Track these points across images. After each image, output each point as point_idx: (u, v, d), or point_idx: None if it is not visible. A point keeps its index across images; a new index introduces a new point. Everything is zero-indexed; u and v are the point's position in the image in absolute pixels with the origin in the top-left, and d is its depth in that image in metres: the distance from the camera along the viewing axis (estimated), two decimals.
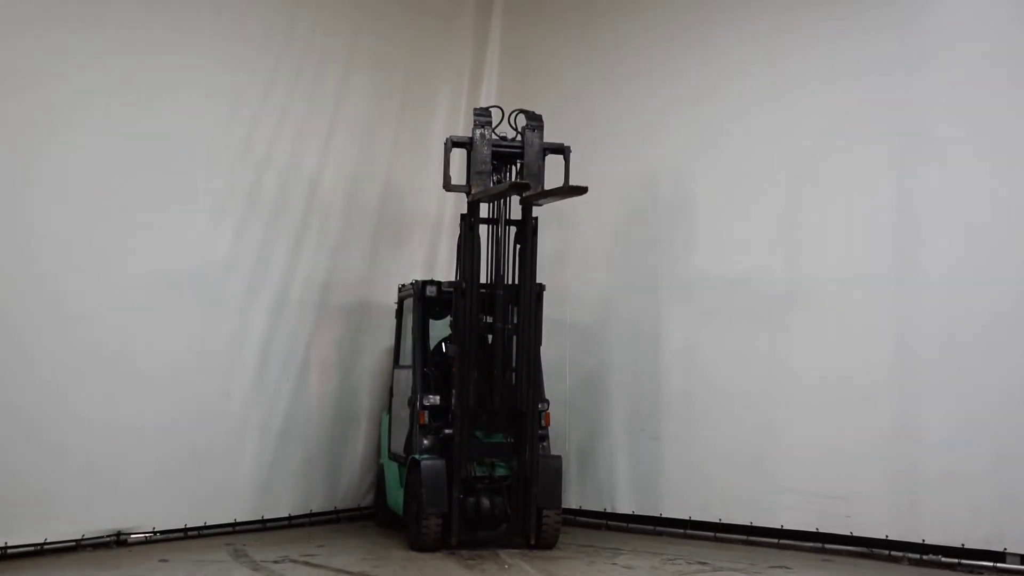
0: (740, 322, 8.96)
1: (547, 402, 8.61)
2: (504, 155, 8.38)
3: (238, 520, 8.87)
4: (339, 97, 9.69)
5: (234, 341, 8.92)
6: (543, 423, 8.55)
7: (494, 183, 8.30)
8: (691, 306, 9.29)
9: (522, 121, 8.46)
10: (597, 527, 9.57)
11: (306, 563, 7.66)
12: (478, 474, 8.24)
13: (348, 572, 7.39)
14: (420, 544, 8.10)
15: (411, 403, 8.59)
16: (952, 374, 7.95)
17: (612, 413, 9.67)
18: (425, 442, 8.36)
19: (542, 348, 8.54)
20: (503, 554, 8.08)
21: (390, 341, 9.80)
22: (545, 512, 8.26)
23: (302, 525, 9.36)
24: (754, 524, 8.78)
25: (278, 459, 9.21)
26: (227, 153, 8.83)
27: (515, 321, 8.33)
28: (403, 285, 9.42)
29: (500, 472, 8.31)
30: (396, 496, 8.91)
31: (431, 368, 8.81)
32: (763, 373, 8.84)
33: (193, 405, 8.58)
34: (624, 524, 9.51)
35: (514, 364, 8.33)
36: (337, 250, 9.71)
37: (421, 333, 8.98)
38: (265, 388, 9.15)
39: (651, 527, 9.35)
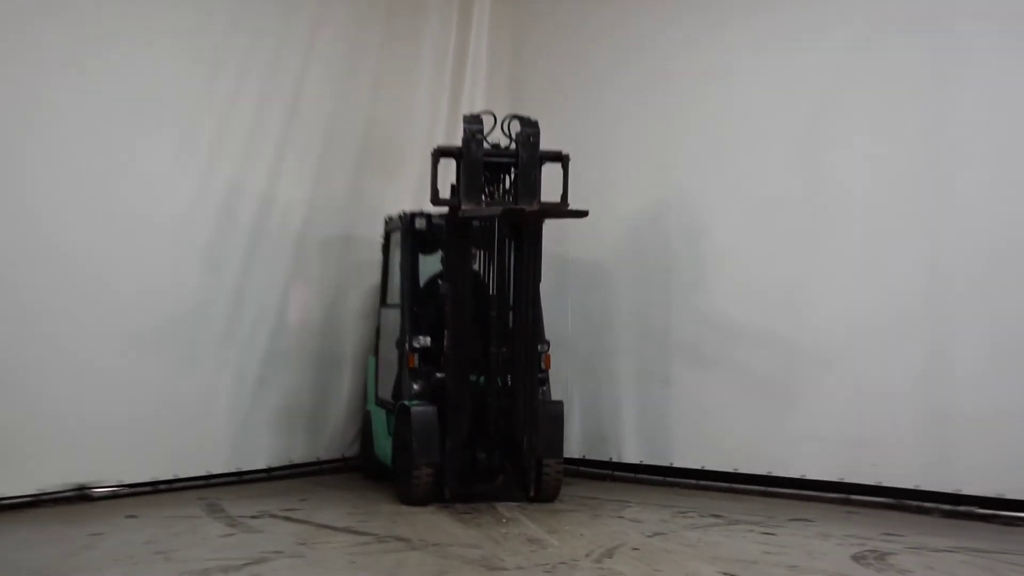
0: (757, 255, 8.96)
1: (547, 343, 8.59)
2: (497, 165, 8.21)
3: (212, 472, 8.93)
4: (319, 11, 9.70)
5: (205, 279, 8.91)
6: (543, 366, 8.54)
7: (486, 196, 8.15)
8: (703, 237, 9.28)
9: (516, 127, 8.24)
10: (602, 478, 9.67)
11: (287, 518, 7.67)
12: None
13: (332, 527, 7.38)
14: (410, 497, 8.12)
15: (400, 345, 8.62)
16: (987, 306, 7.92)
17: (618, 355, 9.73)
18: (415, 387, 8.38)
19: (541, 285, 8.37)
20: (500, 507, 8.09)
21: (376, 278, 9.80)
22: (546, 462, 8.27)
23: (282, 477, 9.43)
24: (773, 474, 8.82)
25: (255, 406, 9.26)
26: (195, 79, 8.80)
27: (512, 340, 8.24)
28: (390, 217, 9.39)
29: None
30: (384, 446, 8.94)
31: (421, 307, 8.77)
32: (782, 309, 8.82)
33: (162, 347, 8.58)
34: (631, 475, 9.61)
35: (511, 301, 8.28)
36: (319, 179, 9.72)
37: (410, 269, 8.95)
38: (241, 329, 9.15)
39: (660, 478, 9.42)
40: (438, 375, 8.29)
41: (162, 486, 8.56)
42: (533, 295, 8.28)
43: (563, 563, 6.32)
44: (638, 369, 9.59)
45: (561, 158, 8.22)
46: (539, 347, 8.39)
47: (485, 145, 8.09)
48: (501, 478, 8.36)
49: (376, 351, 9.47)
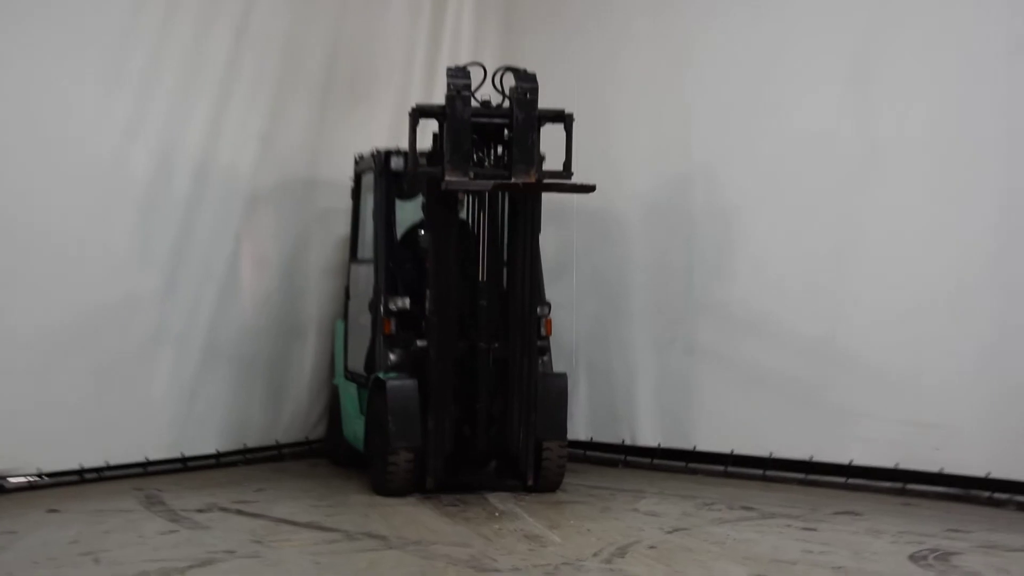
0: (797, 200, 8.84)
1: (548, 305, 8.51)
2: (487, 127, 8.10)
3: (150, 458, 8.84)
4: None
5: (141, 228, 8.77)
6: (543, 332, 8.45)
7: (474, 163, 8.04)
8: (732, 181, 9.14)
9: (510, 81, 8.06)
10: (613, 464, 9.66)
11: (239, 512, 7.59)
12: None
13: (294, 523, 7.27)
14: (386, 486, 8.03)
15: (373, 308, 8.51)
16: None
17: (632, 319, 9.65)
18: (392, 357, 8.27)
19: (540, 237, 8.31)
20: (493, 498, 8.03)
21: (345, 229, 9.69)
22: (546, 445, 8.21)
23: (234, 464, 9.39)
24: (815, 459, 8.74)
25: (202, 380, 9.15)
26: None
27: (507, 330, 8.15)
28: (361, 156, 9.21)
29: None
30: (355, 426, 8.83)
31: (399, 263, 8.65)
32: (828, 264, 8.70)
33: (89, 309, 8.43)
34: (648, 460, 9.57)
35: (505, 256, 8.18)
36: (275, 113, 9.56)
37: (385, 218, 8.76)
38: (184, 289, 9.02)
39: (682, 464, 9.40)
40: (419, 343, 8.15)
41: (90, 475, 8.44)
42: (531, 248, 8.16)
43: (567, 563, 6.22)
44: (656, 335, 9.51)
45: (564, 118, 8.10)
46: (538, 310, 8.29)
47: (473, 103, 7.98)
48: (493, 464, 8.33)
49: (345, 315, 9.38)
